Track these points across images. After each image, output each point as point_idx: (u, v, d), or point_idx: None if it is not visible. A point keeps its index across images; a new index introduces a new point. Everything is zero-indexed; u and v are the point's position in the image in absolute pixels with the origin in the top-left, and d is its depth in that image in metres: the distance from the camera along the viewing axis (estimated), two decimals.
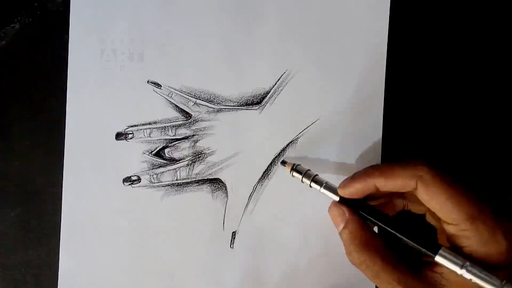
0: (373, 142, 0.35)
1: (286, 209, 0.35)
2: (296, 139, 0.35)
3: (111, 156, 0.36)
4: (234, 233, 0.35)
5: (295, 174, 0.33)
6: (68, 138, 0.36)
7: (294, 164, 0.33)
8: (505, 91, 0.35)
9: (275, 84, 0.36)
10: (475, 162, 0.35)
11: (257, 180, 0.36)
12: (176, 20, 0.36)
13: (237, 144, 0.36)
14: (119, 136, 0.36)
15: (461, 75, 0.35)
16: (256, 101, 0.36)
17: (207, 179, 0.36)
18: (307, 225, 0.35)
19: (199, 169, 0.36)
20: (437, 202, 0.27)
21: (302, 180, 0.32)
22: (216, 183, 0.36)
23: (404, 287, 0.27)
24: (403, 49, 0.35)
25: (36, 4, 0.36)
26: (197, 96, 0.36)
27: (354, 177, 0.30)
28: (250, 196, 0.36)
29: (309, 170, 0.32)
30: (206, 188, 0.36)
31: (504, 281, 0.25)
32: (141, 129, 0.36)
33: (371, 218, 0.29)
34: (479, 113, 0.35)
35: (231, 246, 0.35)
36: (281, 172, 0.35)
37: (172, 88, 0.36)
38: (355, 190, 0.30)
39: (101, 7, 0.36)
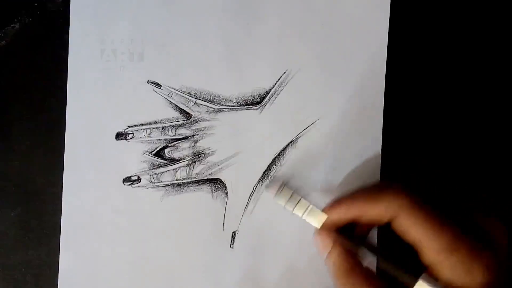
0: (373, 142, 0.35)
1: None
2: (296, 139, 0.35)
3: (111, 156, 0.36)
4: (234, 233, 0.35)
5: (278, 200, 0.33)
6: (68, 138, 0.36)
7: (278, 189, 0.33)
8: (507, 93, 0.35)
9: (275, 84, 0.36)
10: (475, 163, 0.35)
11: (257, 180, 0.36)
12: (176, 20, 0.36)
13: (237, 144, 0.36)
14: (119, 136, 0.36)
15: (461, 75, 0.35)
16: (256, 101, 0.36)
17: (207, 179, 0.36)
18: (307, 225, 0.35)
19: (199, 169, 0.36)
20: (415, 233, 0.28)
21: (284, 207, 0.33)
22: (216, 183, 0.36)
23: None
24: (404, 49, 0.35)
25: (36, 4, 0.36)
26: (197, 96, 0.36)
27: (337, 204, 0.31)
28: (250, 196, 0.36)
29: (293, 193, 0.33)
30: (206, 188, 0.36)
31: None
32: (141, 129, 0.36)
33: (354, 245, 0.30)
34: (479, 113, 0.35)
35: (231, 246, 0.35)
36: (282, 172, 0.35)
37: (172, 88, 0.36)
38: (337, 218, 0.31)
39: (101, 7, 0.36)
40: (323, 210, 0.31)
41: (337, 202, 0.31)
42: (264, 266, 0.35)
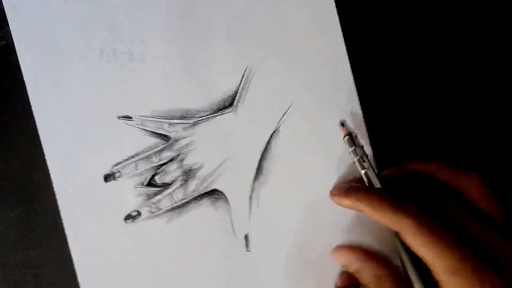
0: (352, 114, 0.35)
1: (289, 198, 0.35)
2: (278, 128, 0.35)
3: (105, 199, 0.35)
4: (246, 236, 0.36)
5: (348, 144, 0.33)
6: (58, 190, 0.35)
7: (351, 133, 0.33)
8: (491, 87, 0.35)
9: (241, 82, 0.35)
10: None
11: (252, 179, 0.35)
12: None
13: (222, 151, 0.36)
14: (107, 178, 0.36)
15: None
16: (228, 104, 0.35)
17: (204, 193, 0.36)
18: (314, 209, 0.35)
19: (193, 186, 0.36)
20: (419, 251, 0.28)
21: (349, 152, 0.33)
22: (214, 194, 0.36)
23: None
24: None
25: None
26: (170, 116, 0.36)
27: (347, 193, 0.32)
28: (251, 196, 0.36)
29: (362, 146, 0.33)
30: (205, 202, 0.36)
31: None
32: (126, 165, 0.36)
33: None
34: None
35: (247, 249, 0.36)
36: (274, 164, 0.35)
37: (143, 116, 0.36)
38: (343, 205, 0.32)
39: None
40: (333, 192, 0.33)
41: (349, 192, 0.32)
42: (282, 261, 0.35)
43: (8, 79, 0.35)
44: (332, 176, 0.35)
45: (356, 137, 0.33)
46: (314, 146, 0.35)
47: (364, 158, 0.32)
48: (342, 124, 0.34)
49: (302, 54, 0.35)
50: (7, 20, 0.35)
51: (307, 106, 0.35)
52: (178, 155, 0.36)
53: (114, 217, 0.35)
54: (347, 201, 0.31)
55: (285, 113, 0.35)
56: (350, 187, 0.32)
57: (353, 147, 0.32)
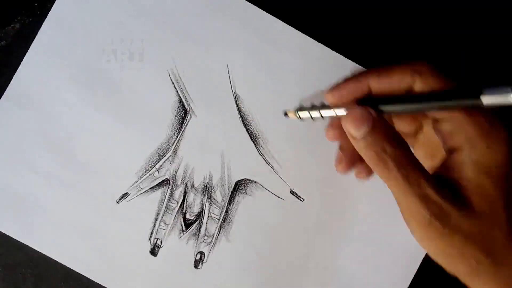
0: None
1: (295, 137, 0.36)
2: (235, 93, 0.36)
3: (167, 264, 0.36)
4: (292, 191, 0.36)
5: (302, 115, 0.32)
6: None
7: (296, 109, 0.32)
8: None
9: (175, 87, 0.35)
10: None
11: (255, 148, 0.36)
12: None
13: (213, 150, 0.36)
14: (153, 251, 0.35)
15: None
16: (183, 113, 0.36)
17: (232, 192, 0.36)
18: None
19: (220, 196, 0.36)
20: (436, 84, 0.26)
21: (311, 117, 0.31)
22: (240, 186, 0.36)
23: (429, 184, 0.26)
24: None
25: (36, 4, 0.36)
26: (152, 164, 0.36)
27: (345, 79, 0.29)
28: (267, 161, 0.36)
29: (313, 104, 0.32)
30: (240, 197, 0.36)
31: None
32: (157, 229, 0.36)
33: (398, 104, 0.28)
34: None
35: (302, 200, 0.36)
36: (258, 124, 0.36)
37: (134, 183, 0.36)
38: (346, 91, 0.29)
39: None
40: (330, 89, 0.29)
41: (346, 77, 0.29)
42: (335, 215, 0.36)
43: (8, 80, 0.35)
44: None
45: (301, 106, 0.32)
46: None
47: (324, 106, 0.30)
48: (286, 114, 0.34)
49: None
50: (8, 18, 0.35)
51: (243, 63, 0.35)
52: (186, 185, 0.36)
53: (187, 269, 0.36)
54: (350, 84, 0.28)
55: (229, 75, 0.35)
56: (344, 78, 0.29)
57: (309, 111, 0.31)
